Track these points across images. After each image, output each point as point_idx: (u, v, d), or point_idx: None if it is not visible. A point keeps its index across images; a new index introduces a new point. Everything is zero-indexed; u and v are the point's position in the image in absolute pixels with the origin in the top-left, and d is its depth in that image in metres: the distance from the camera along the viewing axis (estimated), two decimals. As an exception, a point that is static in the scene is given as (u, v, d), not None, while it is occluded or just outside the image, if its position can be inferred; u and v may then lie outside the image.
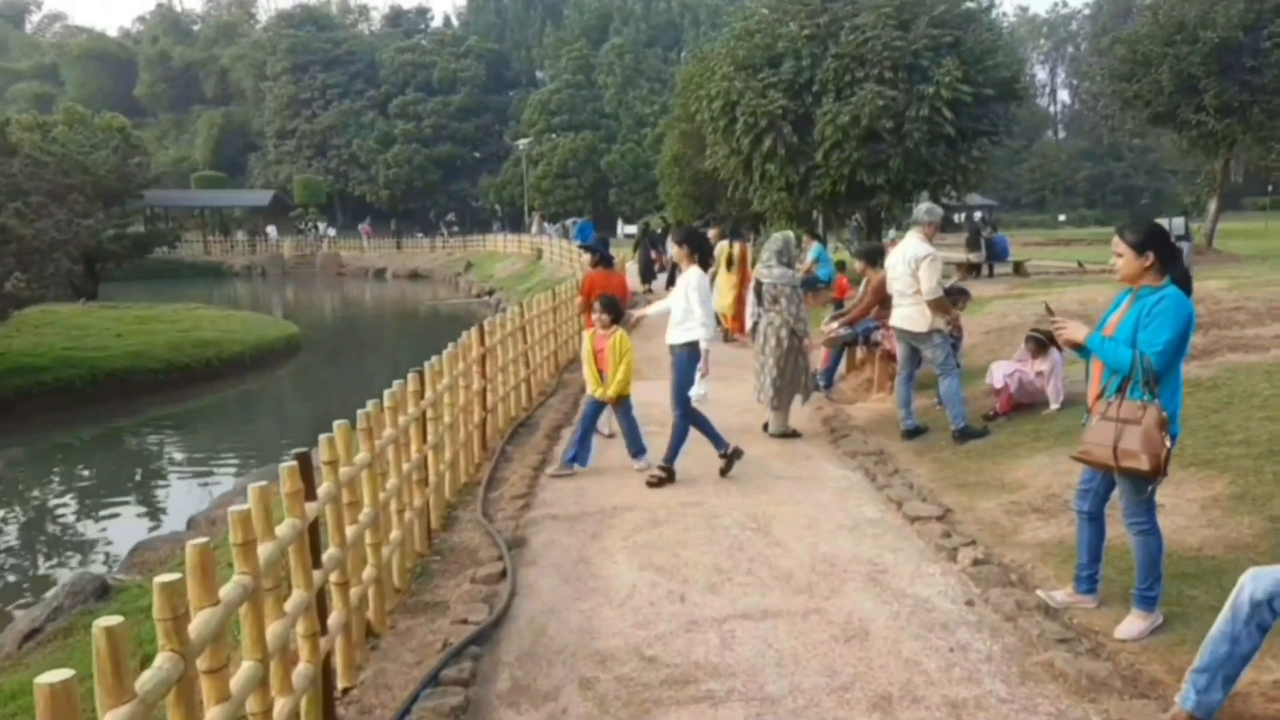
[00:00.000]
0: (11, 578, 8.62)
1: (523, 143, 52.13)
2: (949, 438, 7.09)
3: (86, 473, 12.27)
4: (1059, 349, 7.56)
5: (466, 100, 65.90)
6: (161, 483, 11.74)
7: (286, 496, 3.08)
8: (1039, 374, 7.42)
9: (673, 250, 6.46)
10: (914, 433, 7.35)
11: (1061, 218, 64.09)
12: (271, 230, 51.45)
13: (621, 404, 6.68)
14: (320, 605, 3.30)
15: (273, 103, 67.94)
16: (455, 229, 60.24)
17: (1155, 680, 3.54)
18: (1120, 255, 3.72)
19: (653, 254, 19.69)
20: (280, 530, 2.93)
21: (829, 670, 3.72)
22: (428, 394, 5.29)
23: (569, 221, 31.77)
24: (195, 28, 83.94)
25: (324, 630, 3.31)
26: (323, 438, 3.55)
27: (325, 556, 3.41)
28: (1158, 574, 3.83)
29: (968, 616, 4.18)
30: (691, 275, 6.32)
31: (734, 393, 9.58)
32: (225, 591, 2.44)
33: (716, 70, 16.41)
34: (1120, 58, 26.19)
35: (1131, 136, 69.27)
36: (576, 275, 19.17)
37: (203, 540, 2.40)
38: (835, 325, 9.12)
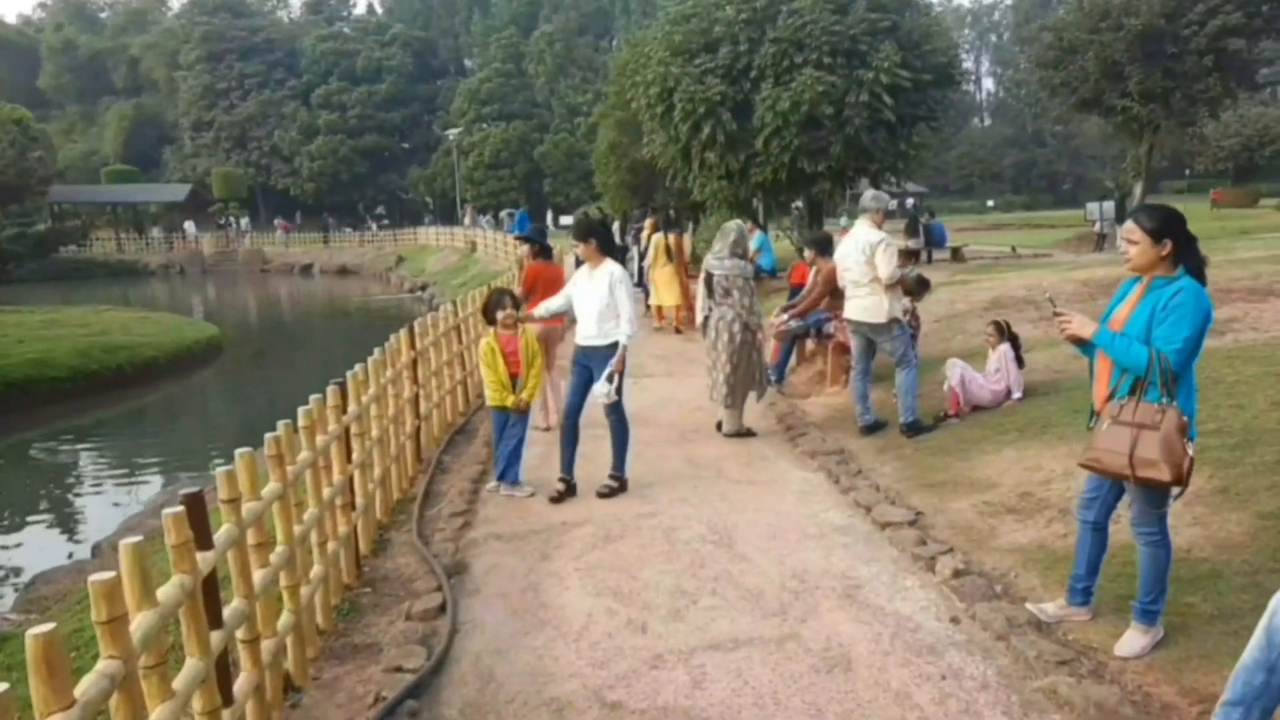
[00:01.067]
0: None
1: (453, 133, 50.87)
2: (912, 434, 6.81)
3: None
4: (1015, 343, 7.35)
5: (392, 90, 64.08)
6: (67, 503, 10.82)
7: (173, 549, 2.54)
8: (987, 375, 7.19)
9: (578, 249, 5.77)
10: (873, 428, 7.06)
11: (990, 203, 65.52)
12: (189, 226, 49.30)
13: (524, 413, 5.99)
14: (223, 671, 2.77)
15: (187, 93, 65.10)
16: (385, 222, 58.69)
17: (1168, 705, 3.23)
18: (1134, 242, 3.37)
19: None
20: (165, 592, 2.40)
21: (813, 709, 3.33)
22: (351, 407, 4.74)
23: (505, 213, 31.01)
24: (102, 15, 79.99)
25: (228, 700, 2.79)
26: (220, 472, 3.01)
27: (228, 612, 2.88)
28: (1163, 587, 3.53)
29: (955, 636, 3.84)
30: (613, 270, 5.74)
31: (685, 390, 9.20)
32: (83, 689, 1.92)
33: (653, 56, 15.95)
34: (1047, 45, 26.57)
35: (1055, 124, 71.23)
36: (513, 269, 18.58)
37: (46, 628, 1.86)
38: (786, 318, 8.78)
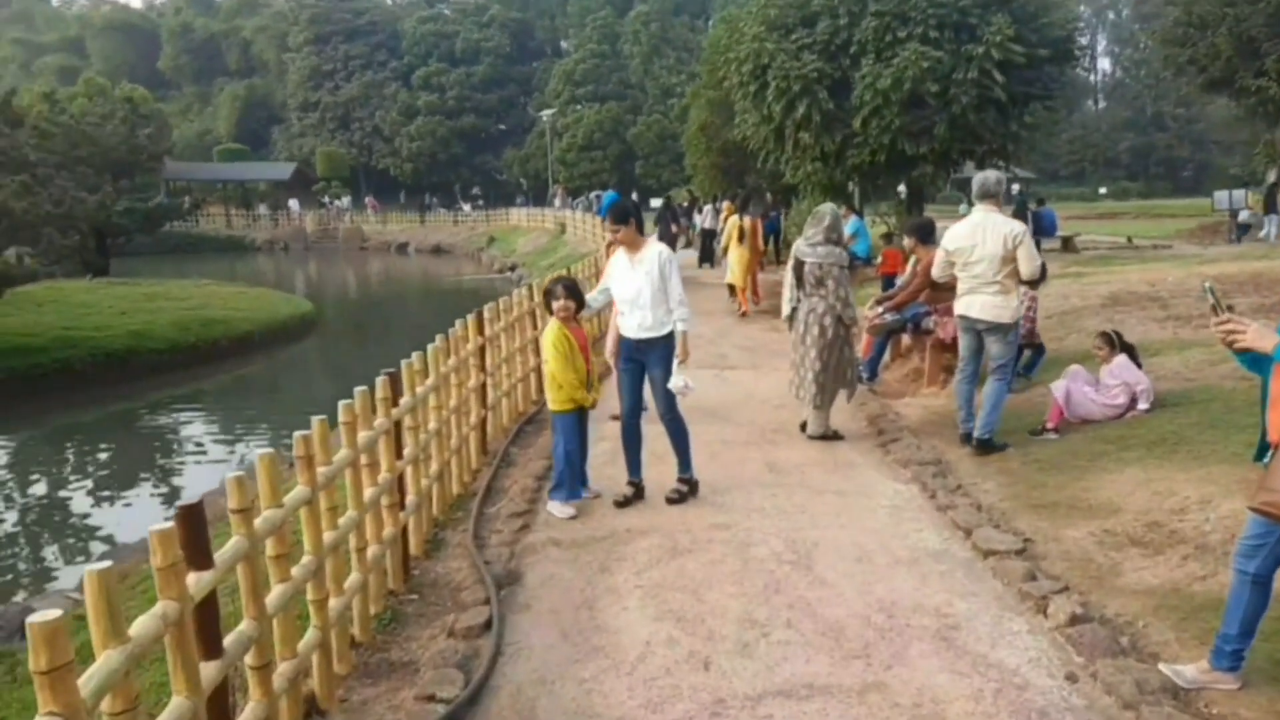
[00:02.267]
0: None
1: (547, 114, 51.00)
2: (1021, 445, 6.15)
3: (75, 460, 11.63)
4: (1132, 353, 6.57)
5: (490, 71, 64.68)
6: (164, 471, 11.04)
7: (159, 573, 2.22)
8: (1101, 388, 6.42)
9: (616, 234, 5.24)
10: (972, 437, 6.39)
11: (1102, 190, 62.11)
12: (293, 204, 50.84)
13: (587, 413, 5.44)
14: (219, 705, 2.46)
15: (295, 75, 67.12)
16: (480, 202, 59.39)
17: (1347, 813, 2.62)
18: None
19: (674, 227, 19.60)
20: (138, 628, 2.07)
21: (899, 783, 2.83)
22: (404, 399, 4.43)
23: (594, 194, 30.75)
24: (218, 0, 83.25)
25: (228, 740, 2.47)
26: (229, 478, 2.69)
27: (230, 639, 2.56)
28: (1342, 662, 2.89)
29: (1072, 699, 3.26)
30: (661, 251, 5.28)
31: (768, 384, 8.68)
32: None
33: (746, 31, 15.30)
34: (1174, 20, 24.69)
35: (1176, 106, 67.19)
36: (600, 250, 18.28)
37: None
38: (881, 310, 8.14)
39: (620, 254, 5.37)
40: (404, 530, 4.39)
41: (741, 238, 13.30)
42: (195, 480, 10.63)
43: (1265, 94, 22.96)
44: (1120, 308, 9.52)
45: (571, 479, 5.27)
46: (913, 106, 13.88)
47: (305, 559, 3.15)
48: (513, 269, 31.24)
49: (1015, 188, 62.65)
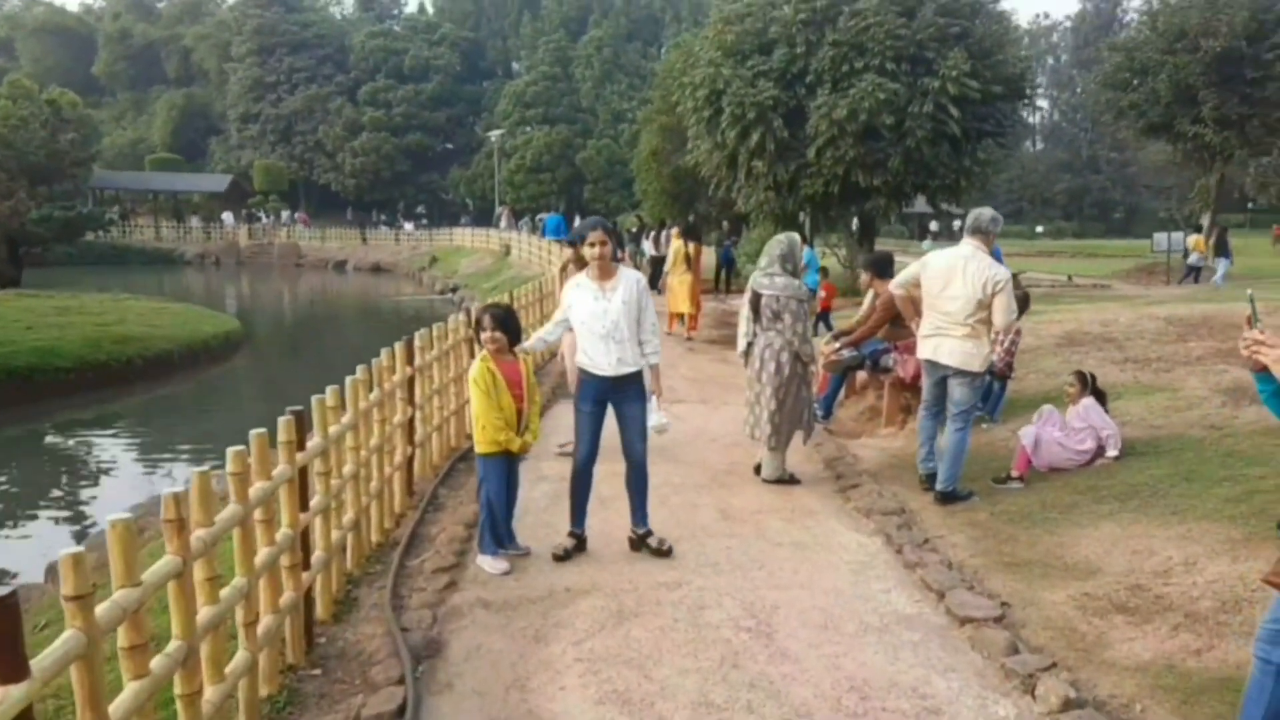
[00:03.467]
0: None
1: (495, 134, 50.42)
2: (986, 494, 5.80)
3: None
4: (1101, 398, 6.29)
5: (439, 89, 63.83)
6: (47, 501, 10.12)
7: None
8: (1068, 432, 6.14)
9: (591, 252, 4.74)
10: (934, 478, 6.01)
11: (1039, 229, 63.77)
12: (227, 217, 49.29)
13: (518, 460, 4.92)
14: None
15: (236, 85, 65.33)
16: (424, 221, 58.33)
17: None
18: None
19: (619, 252, 19.32)
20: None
21: None
22: (313, 441, 3.86)
23: (539, 216, 30.26)
24: (159, 5, 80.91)
25: None
26: (63, 557, 2.11)
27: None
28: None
29: (1076, 807, 2.83)
30: (639, 279, 4.91)
31: (720, 421, 8.25)
32: None
33: (702, 57, 15.08)
34: (1116, 65, 25.33)
35: (1110, 150, 69.69)
36: (546, 273, 17.74)
37: None
38: (838, 346, 7.79)
39: (583, 281, 4.83)
40: (308, 593, 3.80)
41: (688, 262, 13.22)
42: (95, 509, 9.80)
43: (1201, 139, 23.64)
44: (1076, 348, 9.33)
45: (494, 530, 4.71)
46: (867, 138, 13.76)
47: (171, 646, 2.57)
48: (454, 290, 30.52)
49: (956, 224, 63.95)
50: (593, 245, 4.70)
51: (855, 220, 16.99)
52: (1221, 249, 19.48)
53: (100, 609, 2.18)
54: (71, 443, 12.75)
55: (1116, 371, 8.05)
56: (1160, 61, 23.17)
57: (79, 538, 8.50)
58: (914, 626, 4.10)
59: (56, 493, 10.63)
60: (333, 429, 4.13)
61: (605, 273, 4.79)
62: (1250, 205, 55.28)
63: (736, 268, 19.59)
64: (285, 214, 53.21)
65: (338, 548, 4.27)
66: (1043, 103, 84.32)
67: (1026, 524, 5.25)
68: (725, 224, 20.95)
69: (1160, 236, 21.97)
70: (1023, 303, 7.62)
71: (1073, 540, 4.92)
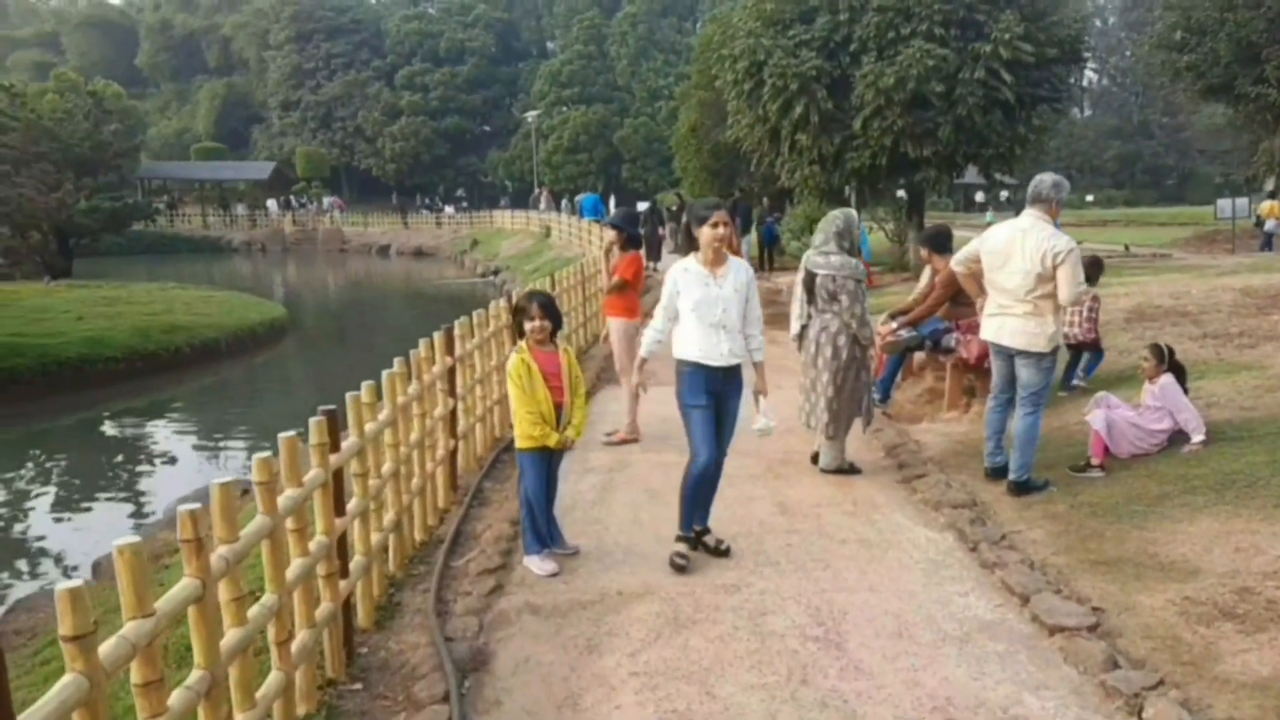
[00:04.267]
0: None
1: (532, 115, 50.16)
2: (1064, 484, 5.41)
3: (12, 475, 10.73)
4: (1181, 375, 5.84)
5: (474, 71, 63.75)
6: (97, 490, 10.14)
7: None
8: (1142, 412, 5.71)
9: (706, 235, 4.42)
10: (1001, 473, 5.64)
11: (1089, 198, 62.00)
12: (272, 204, 49.77)
13: (560, 456, 4.59)
14: None
15: (276, 73, 65.91)
16: (464, 205, 58.43)
17: None
18: None
19: (660, 230, 19.46)
20: None
21: None
22: (349, 441, 3.63)
23: (577, 197, 29.98)
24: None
25: None
26: (60, 593, 1.88)
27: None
28: None
29: None
30: (747, 268, 4.67)
31: (774, 407, 7.89)
32: None
33: (741, 28, 14.60)
34: (1171, 25, 24.24)
35: (1162, 114, 67.50)
36: (587, 254, 17.47)
37: None
38: (895, 325, 7.40)
39: (690, 266, 4.50)
40: (347, 601, 3.58)
41: None
42: (150, 497, 9.83)
43: (1264, 100, 22.53)
44: (1147, 323, 8.83)
45: (536, 528, 4.47)
46: (916, 107, 13.22)
47: (193, 678, 2.35)
48: (495, 273, 30.43)
49: (1004, 194, 62.59)
50: (715, 226, 4.38)
51: (902, 193, 16.45)
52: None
53: (106, 647, 1.96)
54: (125, 431, 12.84)
55: (1195, 348, 7.55)
56: (1220, 20, 22.10)
57: (135, 527, 8.45)
58: (997, 635, 3.77)
59: (113, 480, 10.69)
60: (369, 426, 3.89)
61: (718, 258, 4.47)
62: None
63: (781, 244, 19.14)
64: (328, 199, 53.53)
65: (378, 550, 4.06)
66: (1091, 67, 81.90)
67: (1112, 518, 4.87)
68: (765, 200, 20.43)
69: (1224, 203, 21.02)
70: (1095, 268, 7.27)
71: (1166, 536, 4.53)
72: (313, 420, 3.34)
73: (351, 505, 3.67)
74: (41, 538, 8.76)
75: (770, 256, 18.86)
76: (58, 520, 9.18)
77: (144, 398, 14.18)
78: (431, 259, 42.26)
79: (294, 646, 2.99)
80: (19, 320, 14.75)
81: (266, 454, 2.88)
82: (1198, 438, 5.58)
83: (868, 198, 16.83)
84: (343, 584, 3.51)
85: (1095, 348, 7.26)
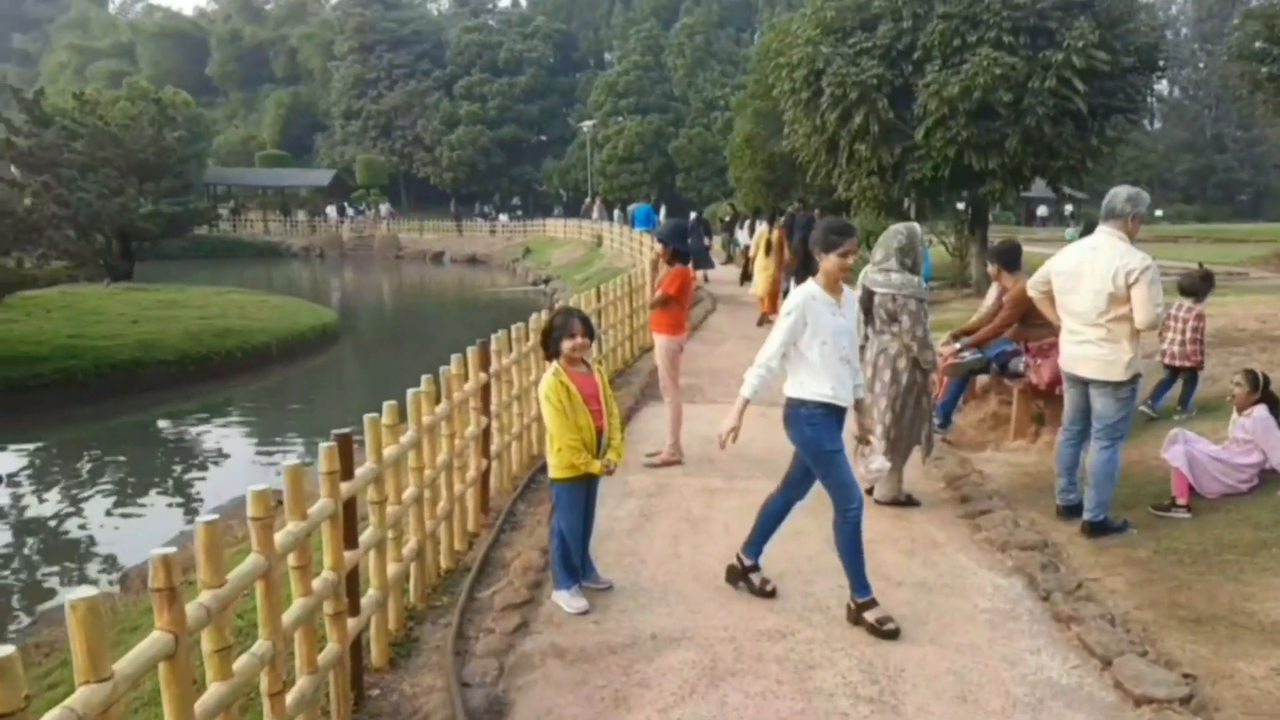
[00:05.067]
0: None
1: (588, 125, 50.25)
2: (1145, 525, 4.95)
3: (64, 476, 10.81)
4: (1271, 401, 5.32)
5: (532, 82, 64.24)
6: (137, 502, 10.12)
7: None
8: (1229, 445, 5.22)
9: (829, 260, 4.02)
10: (1074, 511, 5.19)
11: (1159, 213, 60.07)
12: (331, 211, 50.63)
13: (598, 483, 4.28)
14: None
15: (339, 83, 67.25)
16: (519, 213, 58.78)
17: None
18: None
19: (706, 240, 19.45)
20: None
21: None
22: (365, 467, 3.38)
23: (629, 208, 29.79)
24: (267, 7, 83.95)
25: None
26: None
27: None
28: None
29: None
30: (853, 297, 4.34)
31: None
32: None
33: (800, 35, 14.22)
34: (1252, 34, 23.24)
35: (1236, 128, 65.27)
36: (637, 265, 17.22)
37: None
38: (959, 347, 6.97)
39: (817, 294, 4.01)
40: (357, 641, 3.32)
41: (769, 250, 13.54)
42: (194, 500, 9.84)
43: (1352, 114, 21.45)
44: (1233, 348, 8.23)
45: (568, 563, 4.16)
46: (981, 117, 12.69)
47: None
48: (546, 281, 30.39)
49: (1069, 209, 61.00)
50: (845, 256, 3.98)
51: (961, 205, 15.85)
52: None
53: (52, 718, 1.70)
54: (175, 433, 12.93)
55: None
56: (1305, 29, 21.06)
57: (173, 532, 8.39)
58: (1075, 703, 3.36)
59: (160, 481, 10.77)
60: (389, 450, 3.64)
61: (837, 286, 4.08)
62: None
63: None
64: (385, 207, 54.25)
65: (396, 582, 3.80)
66: (1162, 79, 79.46)
67: (1201, 567, 4.40)
68: (818, 212, 19.94)
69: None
70: (1205, 283, 6.83)
71: (1265, 592, 4.06)
72: (323, 446, 3.09)
73: (366, 536, 3.41)
74: (90, 539, 8.77)
75: (813, 270, 18.44)
76: (106, 521, 9.19)
77: (195, 400, 14.29)
78: (484, 266, 42.49)
79: (290, 697, 2.73)
80: (77, 322, 15.01)
81: (260, 486, 2.62)
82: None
83: (928, 211, 16.28)
84: (352, 622, 3.25)
85: (1194, 370, 6.75)
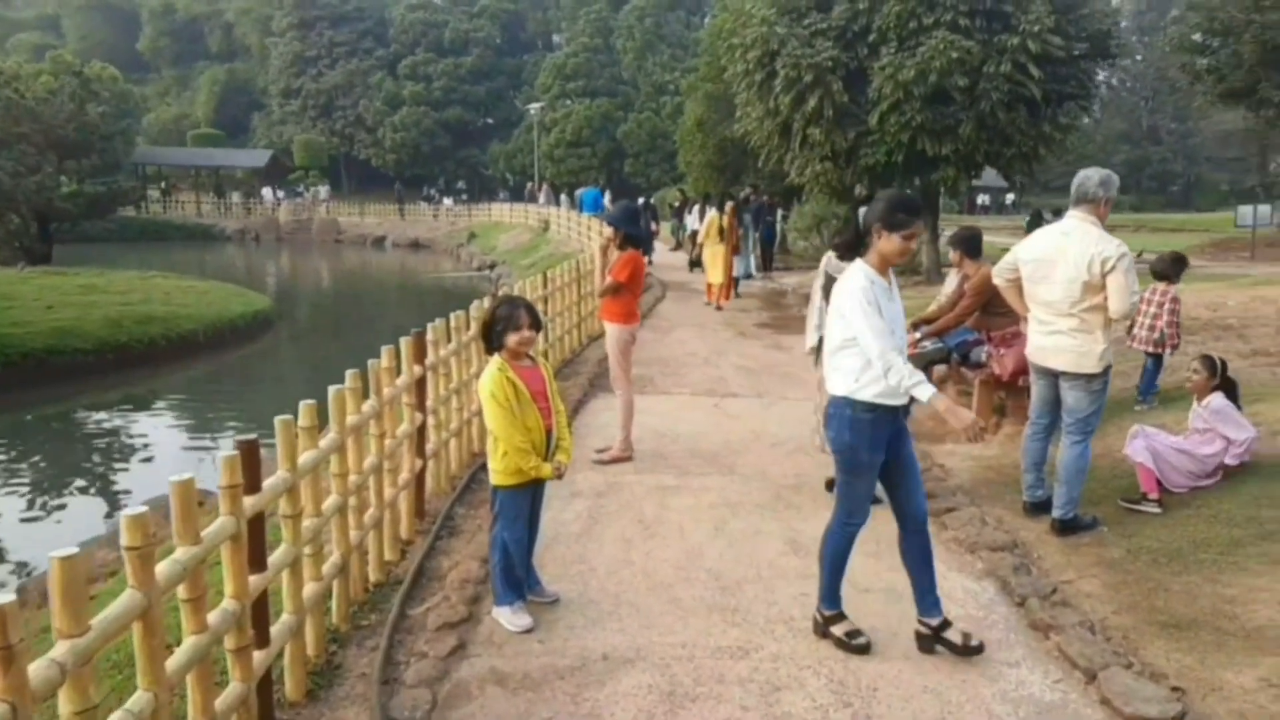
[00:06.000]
0: None
1: (535, 108, 49.38)
2: (1115, 522, 4.75)
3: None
4: (1233, 392, 5.18)
5: (479, 62, 62.95)
6: (47, 500, 9.44)
7: None
8: (1190, 435, 5.09)
9: (891, 241, 3.37)
10: (1042, 508, 4.98)
11: (1097, 203, 61.34)
12: (266, 193, 49.02)
13: (544, 487, 3.91)
14: None
15: (278, 60, 65.09)
16: (464, 197, 57.68)
17: None
18: None
19: (655, 226, 19.23)
20: None
21: None
22: (274, 479, 2.96)
23: (577, 192, 29.29)
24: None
25: None
26: None
27: None
28: None
29: None
30: (894, 281, 3.59)
31: (774, 420, 7.24)
32: None
33: (754, 15, 13.89)
34: (1193, 25, 23.65)
35: (1171, 120, 67.13)
36: (586, 250, 16.80)
37: None
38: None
39: (874, 278, 3.40)
40: (266, 676, 2.91)
41: (720, 234, 13.46)
42: (110, 498, 9.20)
43: (1288, 106, 21.93)
44: (1189, 337, 8.13)
45: (510, 576, 3.78)
46: (936, 102, 12.54)
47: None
48: (491, 267, 29.75)
49: (1010, 197, 61.85)
50: (910, 240, 3.38)
51: (909, 193, 15.75)
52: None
53: None
54: (91, 426, 12.16)
55: (1246, 366, 6.91)
56: (1245, 21, 21.47)
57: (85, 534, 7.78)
58: (1061, 724, 3.10)
59: (70, 480, 10.02)
60: (306, 456, 3.22)
61: (889, 271, 3.51)
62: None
63: (786, 243, 18.48)
64: (325, 189, 52.66)
65: (315, 603, 3.38)
66: (1111, 68, 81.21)
67: (1177, 567, 4.20)
68: (767, 198, 19.69)
69: (1245, 210, 20.36)
70: (1178, 265, 6.78)
71: (1245, 594, 3.87)
72: (222, 456, 2.67)
73: (277, 556, 3.00)
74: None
75: (770, 256, 18.24)
76: (16, 523, 8.52)
77: (118, 391, 13.50)
78: (428, 251, 41.53)
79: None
80: (-15, 308, 14.07)
81: (141, 509, 2.20)
82: (1233, 461, 4.94)
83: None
84: (260, 656, 2.84)
85: (1159, 358, 6.69)
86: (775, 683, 3.35)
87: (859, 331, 3.34)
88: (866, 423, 3.40)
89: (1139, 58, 70.28)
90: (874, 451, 3.45)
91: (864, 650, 3.55)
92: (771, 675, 3.40)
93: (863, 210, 3.41)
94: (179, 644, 2.46)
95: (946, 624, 3.55)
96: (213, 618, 2.53)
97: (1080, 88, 12.99)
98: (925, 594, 3.57)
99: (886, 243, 3.38)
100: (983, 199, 59.41)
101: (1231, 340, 7.85)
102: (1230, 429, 5.02)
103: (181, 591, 2.40)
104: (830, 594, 3.67)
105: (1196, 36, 24.11)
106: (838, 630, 3.61)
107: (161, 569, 2.25)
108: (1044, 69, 12.10)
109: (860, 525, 3.59)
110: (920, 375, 3.29)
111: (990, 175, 15.19)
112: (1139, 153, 67.01)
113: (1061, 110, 12.97)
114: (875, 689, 3.32)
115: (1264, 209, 20.56)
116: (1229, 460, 5.03)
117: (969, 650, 3.47)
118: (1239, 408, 5.19)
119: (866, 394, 3.36)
